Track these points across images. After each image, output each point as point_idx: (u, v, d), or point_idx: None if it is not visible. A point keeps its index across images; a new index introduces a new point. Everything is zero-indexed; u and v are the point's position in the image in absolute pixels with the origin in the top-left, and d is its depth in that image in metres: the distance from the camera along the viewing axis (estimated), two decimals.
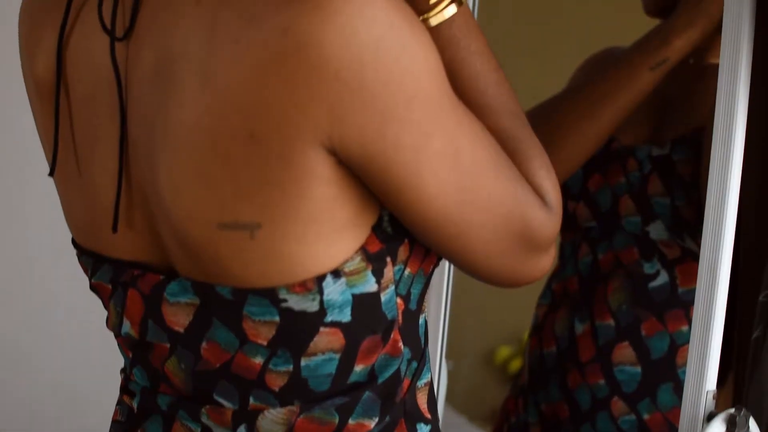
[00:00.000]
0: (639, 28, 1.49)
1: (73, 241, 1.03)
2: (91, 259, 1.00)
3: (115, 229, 0.95)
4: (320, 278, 0.88)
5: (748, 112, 1.15)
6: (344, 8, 0.82)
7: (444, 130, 0.87)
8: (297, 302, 0.88)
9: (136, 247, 0.96)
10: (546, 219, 0.94)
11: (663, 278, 1.50)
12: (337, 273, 0.89)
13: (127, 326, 0.97)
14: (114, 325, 0.99)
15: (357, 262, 0.90)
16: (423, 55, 0.85)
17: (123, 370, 1.04)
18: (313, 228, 0.87)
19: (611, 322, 1.53)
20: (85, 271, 1.02)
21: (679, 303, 1.49)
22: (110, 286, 0.98)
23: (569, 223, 1.59)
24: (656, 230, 1.50)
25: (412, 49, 0.84)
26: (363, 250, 0.90)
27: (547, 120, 1.49)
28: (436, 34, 0.95)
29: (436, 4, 0.95)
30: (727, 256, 1.14)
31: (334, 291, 0.89)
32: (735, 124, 1.14)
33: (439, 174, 0.87)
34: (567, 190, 1.58)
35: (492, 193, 0.91)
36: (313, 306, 0.89)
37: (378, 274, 0.91)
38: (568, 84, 1.63)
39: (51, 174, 1.00)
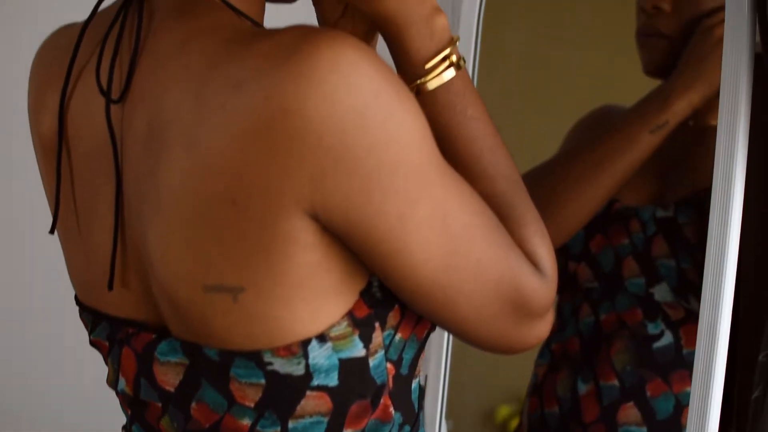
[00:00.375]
0: (639, 84, 1.50)
1: (76, 298, 1.04)
2: (90, 315, 1.01)
3: (110, 287, 0.96)
4: (305, 342, 0.88)
5: (747, 171, 1.16)
6: (329, 76, 0.82)
7: (431, 197, 0.87)
8: (282, 365, 0.88)
9: (131, 306, 0.97)
10: (539, 286, 0.94)
11: (667, 339, 1.50)
12: (322, 337, 0.88)
13: (122, 384, 0.98)
14: (111, 381, 1.00)
15: (343, 327, 0.89)
16: (409, 123, 0.85)
17: (124, 427, 1.04)
18: (297, 293, 0.87)
19: (616, 382, 1.52)
20: (86, 327, 1.03)
21: (684, 364, 1.49)
22: (107, 344, 0.99)
23: (569, 283, 1.59)
24: (661, 292, 1.50)
25: (397, 118, 0.84)
26: (350, 315, 0.90)
27: (548, 182, 1.50)
28: (433, 98, 0.96)
29: (432, 68, 0.96)
30: (727, 314, 1.14)
31: (320, 355, 0.89)
32: (733, 184, 1.15)
33: (426, 241, 0.87)
34: (568, 251, 1.58)
35: (482, 259, 0.90)
36: (298, 370, 0.89)
37: (366, 339, 0.90)
38: (564, 141, 1.64)
39: (51, 231, 1.01)
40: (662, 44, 1.49)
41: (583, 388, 1.55)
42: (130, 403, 0.98)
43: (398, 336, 0.94)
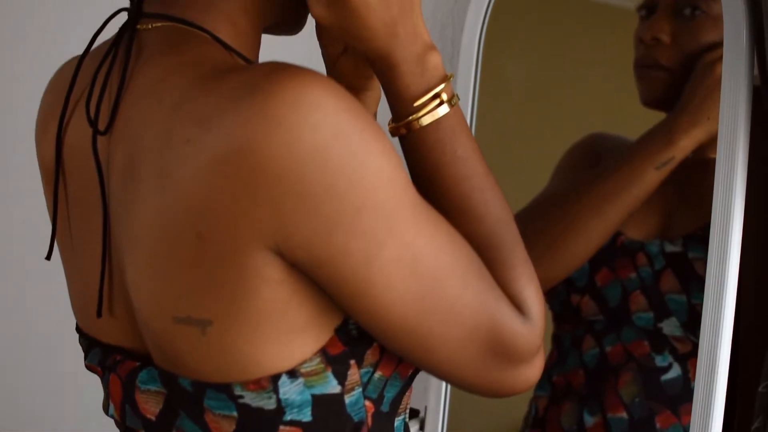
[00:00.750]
0: (639, 116, 1.51)
1: (77, 324, 1.04)
2: (85, 341, 1.02)
3: (99, 314, 0.97)
4: (275, 377, 0.88)
5: (746, 201, 1.16)
6: (289, 115, 0.82)
7: (399, 239, 0.85)
8: (253, 399, 0.88)
9: (118, 333, 0.98)
10: (522, 330, 0.91)
11: (676, 371, 1.50)
12: (293, 373, 0.88)
13: (112, 409, 0.99)
14: (105, 407, 1.01)
15: (315, 363, 0.89)
16: (374, 164, 0.84)
17: None
18: (265, 328, 0.87)
19: (624, 414, 1.52)
20: (83, 352, 1.03)
21: (693, 396, 1.49)
22: (100, 369, 1.00)
23: (570, 315, 1.59)
24: (669, 326, 1.50)
25: (360, 158, 0.83)
26: (323, 351, 0.89)
27: (554, 216, 1.51)
28: (422, 136, 0.95)
29: (421, 107, 0.95)
30: (726, 345, 1.15)
31: (291, 390, 0.88)
32: (732, 216, 1.15)
33: (394, 282, 0.86)
34: (572, 283, 1.58)
35: (457, 302, 0.88)
36: (269, 404, 0.88)
37: (340, 376, 0.90)
38: (556, 170, 1.64)
39: (47, 258, 1.02)
40: (661, 76, 1.50)
41: (590, 421, 1.54)
42: (121, 428, 0.99)
43: (378, 374, 0.93)
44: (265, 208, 0.83)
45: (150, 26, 0.95)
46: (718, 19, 1.42)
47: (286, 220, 0.83)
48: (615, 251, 1.55)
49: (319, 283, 0.86)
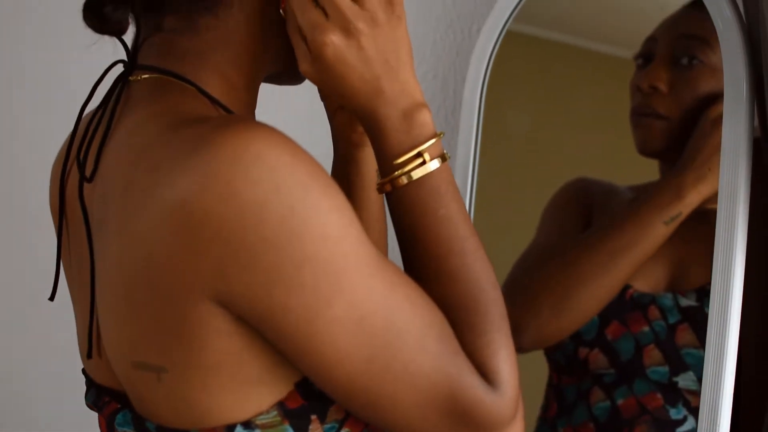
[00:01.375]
0: (640, 166, 1.52)
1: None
2: (86, 380, 1.04)
3: (89, 355, 0.98)
4: (230, 427, 0.88)
5: (747, 253, 1.16)
6: (229, 168, 0.82)
7: (347, 296, 0.84)
8: None
9: (106, 375, 0.99)
10: (488, 399, 0.89)
11: (690, 424, 1.49)
12: (248, 424, 0.88)
13: None
14: None
15: (272, 416, 0.88)
16: (318, 219, 0.83)
17: None
18: (219, 378, 0.87)
19: None
20: (86, 390, 1.06)
21: None
22: (96, 408, 1.02)
23: (576, 368, 1.59)
24: (685, 380, 1.50)
25: (301, 213, 0.82)
26: (280, 405, 0.89)
27: (562, 272, 1.51)
28: (402, 194, 0.94)
29: (403, 165, 0.95)
30: (728, 398, 1.14)
31: None
32: (733, 267, 1.15)
33: (340, 341, 0.84)
34: (580, 337, 1.58)
35: (410, 365, 0.86)
36: None
37: (300, 431, 0.89)
38: (544, 217, 1.64)
39: (50, 299, 1.03)
40: (659, 124, 1.51)
41: None
42: None
43: (345, 430, 0.92)
44: (207, 260, 0.83)
45: (140, 77, 0.96)
46: (715, 69, 1.44)
47: (227, 273, 0.83)
48: (625, 304, 1.55)
49: (266, 337, 0.86)
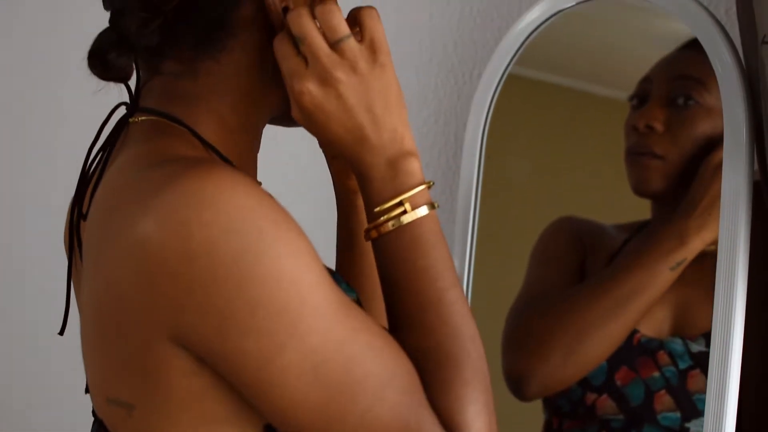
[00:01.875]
0: (640, 210, 1.52)
1: None
2: (92, 411, 1.04)
3: (87, 390, 0.98)
4: None
5: (747, 298, 1.16)
6: (182, 210, 0.83)
7: (301, 341, 0.84)
8: None
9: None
10: None
11: None
12: None
13: None
14: None
15: None
16: (272, 263, 0.83)
17: None
18: (186, 416, 0.87)
19: None
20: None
21: None
22: None
23: (581, 413, 1.58)
24: (697, 426, 1.49)
25: (254, 256, 0.83)
26: None
27: (571, 319, 1.51)
28: (385, 242, 0.94)
29: (382, 213, 0.95)
30: None
31: None
32: (734, 311, 1.15)
33: (293, 387, 0.84)
34: (587, 382, 1.57)
35: (367, 414, 0.85)
36: None
37: None
38: (533, 257, 1.63)
39: (60, 333, 1.04)
40: (655, 164, 1.51)
41: None
42: None
43: None
44: (164, 301, 0.84)
45: (138, 119, 0.98)
46: (711, 110, 1.45)
47: (184, 315, 0.84)
48: (633, 349, 1.54)
49: (225, 378, 0.86)
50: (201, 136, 0.96)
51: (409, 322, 0.92)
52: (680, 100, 1.49)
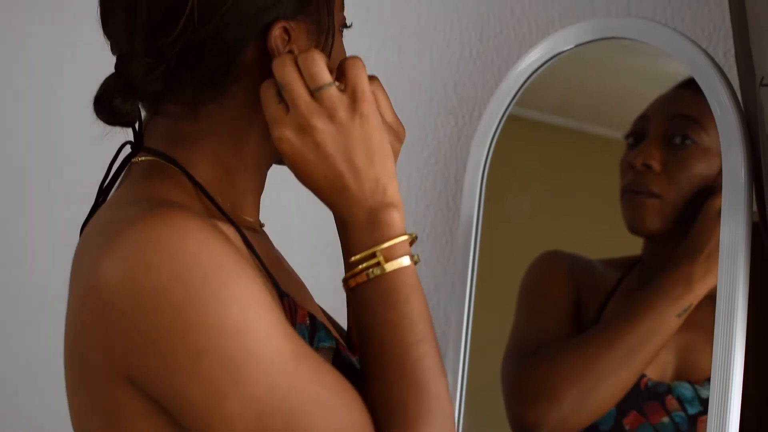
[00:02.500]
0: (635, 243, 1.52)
1: None
2: None
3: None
4: None
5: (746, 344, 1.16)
6: (132, 253, 0.85)
7: (244, 391, 0.84)
8: None
9: None
10: None
11: None
12: None
13: None
14: None
15: None
16: (217, 310, 0.84)
17: None
18: None
19: None
20: None
21: None
22: None
23: None
24: None
25: (199, 303, 0.84)
26: None
27: (582, 366, 1.51)
28: (357, 294, 0.94)
29: (356, 264, 0.94)
30: None
31: None
32: (733, 359, 1.15)
33: None
34: (596, 428, 1.57)
35: None
36: None
37: None
38: (523, 294, 1.63)
39: None
40: (651, 202, 1.51)
41: None
42: None
43: None
44: (114, 342, 0.86)
45: (139, 159, 0.99)
46: (708, 150, 1.45)
47: (134, 357, 0.85)
48: (640, 394, 1.54)
49: (178, 421, 0.87)
50: (193, 178, 0.97)
51: (374, 374, 0.92)
52: (677, 140, 1.49)
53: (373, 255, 0.94)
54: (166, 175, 0.97)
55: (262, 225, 1.06)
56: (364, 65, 0.96)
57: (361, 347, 0.94)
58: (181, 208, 0.88)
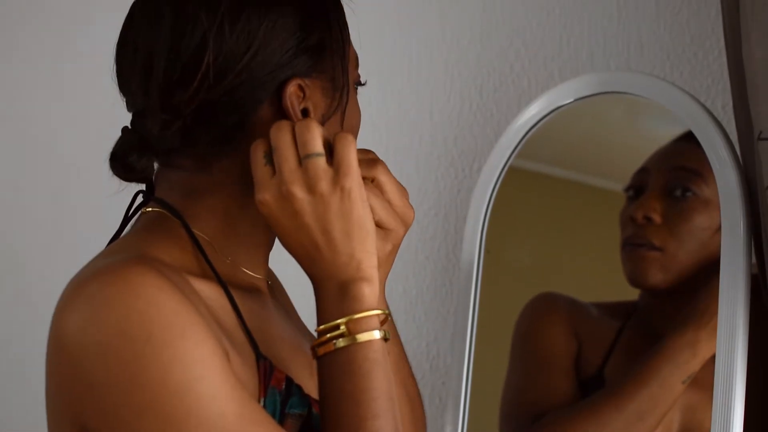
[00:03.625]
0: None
1: None
2: None
3: None
4: None
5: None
6: (85, 307, 0.87)
7: None
8: None
9: None
10: None
11: None
12: None
13: None
14: None
15: None
16: (160, 370, 0.86)
17: None
18: None
19: None
20: None
21: None
22: None
23: None
24: None
25: (143, 362, 0.85)
26: None
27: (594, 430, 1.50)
28: (320, 363, 0.95)
29: (321, 333, 0.95)
30: None
31: None
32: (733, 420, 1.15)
33: None
34: None
35: None
36: None
37: None
38: (519, 338, 1.62)
39: None
40: (653, 255, 1.50)
41: None
42: None
43: None
44: (70, 391, 0.88)
45: (148, 210, 1.01)
46: (708, 202, 1.45)
47: (83, 407, 0.87)
48: None
49: None
50: (191, 231, 0.98)
51: None
52: (678, 192, 1.49)
53: (338, 327, 0.94)
54: (166, 227, 0.98)
55: (269, 281, 1.07)
56: (354, 141, 0.96)
57: (321, 417, 0.94)
58: (148, 263, 0.90)
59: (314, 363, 0.96)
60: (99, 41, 1.15)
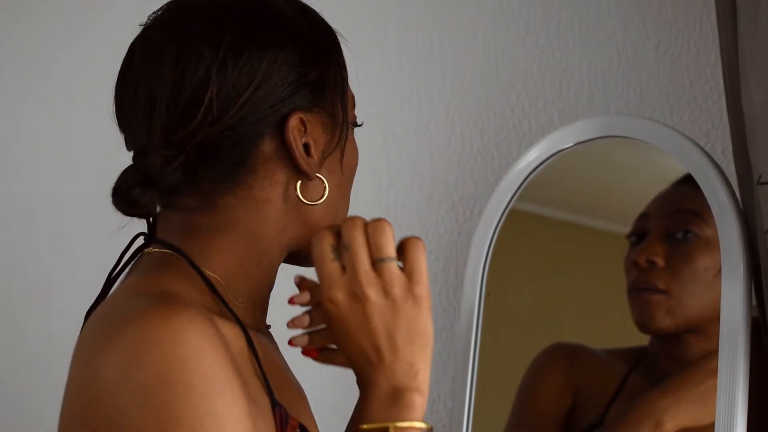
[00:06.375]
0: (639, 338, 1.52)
1: None
2: None
3: None
4: None
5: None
6: (125, 351, 0.87)
7: None
8: None
9: None
10: None
11: None
12: None
13: None
14: None
15: None
16: (194, 422, 0.86)
17: None
18: None
19: None
20: None
21: None
22: None
23: None
24: None
25: (179, 410, 0.86)
26: None
27: None
28: None
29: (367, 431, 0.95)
30: None
31: None
32: None
33: None
34: None
35: None
36: None
37: None
38: (526, 388, 1.62)
39: None
40: (658, 298, 1.51)
41: None
42: None
43: None
44: (103, 426, 0.87)
45: (151, 250, 1.00)
46: (710, 242, 1.45)
47: None
48: None
49: None
50: (202, 272, 0.97)
51: None
52: (679, 234, 1.50)
53: (386, 429, 0.94)
54: (177, 268, 0.98)
55: (268, 326, 1.07)
56: (424, 248, 0.97)
57: None
58: (183, 305, 0.90)
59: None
60: (103, 84, 1.15)
